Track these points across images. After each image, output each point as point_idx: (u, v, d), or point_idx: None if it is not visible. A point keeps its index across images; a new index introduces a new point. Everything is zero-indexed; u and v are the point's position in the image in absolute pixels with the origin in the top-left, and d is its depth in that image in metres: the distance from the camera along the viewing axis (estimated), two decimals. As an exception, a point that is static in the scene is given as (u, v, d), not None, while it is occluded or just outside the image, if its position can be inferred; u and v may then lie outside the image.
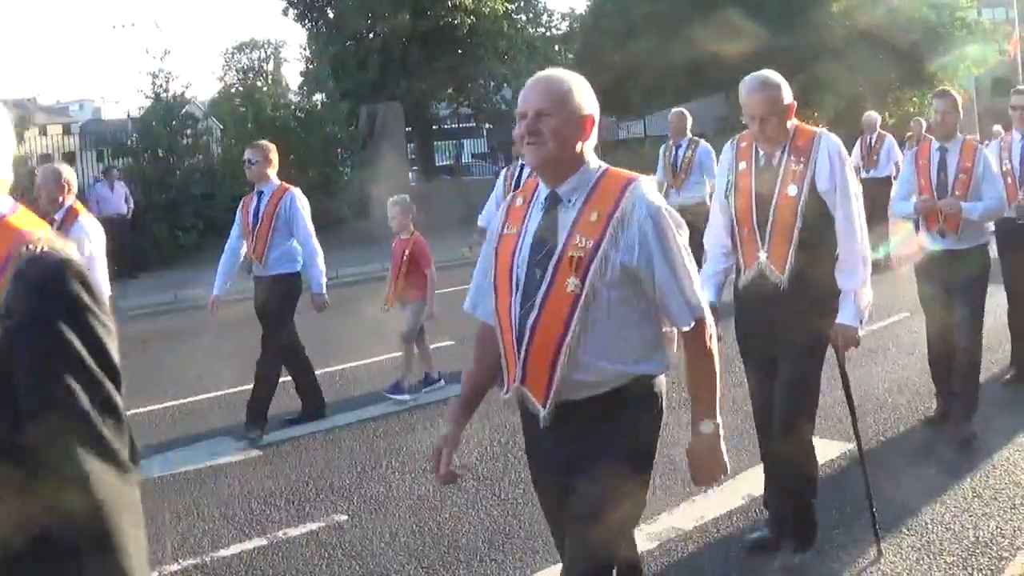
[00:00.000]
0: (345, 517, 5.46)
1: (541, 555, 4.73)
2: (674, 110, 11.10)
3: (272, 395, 7.25)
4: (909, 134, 16.64)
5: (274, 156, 7.35)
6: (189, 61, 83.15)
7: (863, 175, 12.84)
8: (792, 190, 4.28)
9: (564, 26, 37.46)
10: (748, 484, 5.56)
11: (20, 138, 21.99)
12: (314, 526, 5.35)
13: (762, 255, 4.38)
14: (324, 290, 7.32)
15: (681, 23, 30.02)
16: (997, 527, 4.85)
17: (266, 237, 7.14)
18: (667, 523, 5.12)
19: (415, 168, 25.34)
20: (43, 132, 40.84)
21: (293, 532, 5.29)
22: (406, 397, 7.92)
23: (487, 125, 37.73)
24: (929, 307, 6.67)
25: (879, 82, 31.09)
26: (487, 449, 6.51)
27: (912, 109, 32.26)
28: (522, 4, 30.61)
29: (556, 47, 34.11)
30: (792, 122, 4.40)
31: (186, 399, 8.25)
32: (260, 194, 7.27)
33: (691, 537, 4.95)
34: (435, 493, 5.70)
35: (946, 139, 6.52)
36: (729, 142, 4.67)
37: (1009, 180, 7.30)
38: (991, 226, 6.89)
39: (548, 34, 34.89)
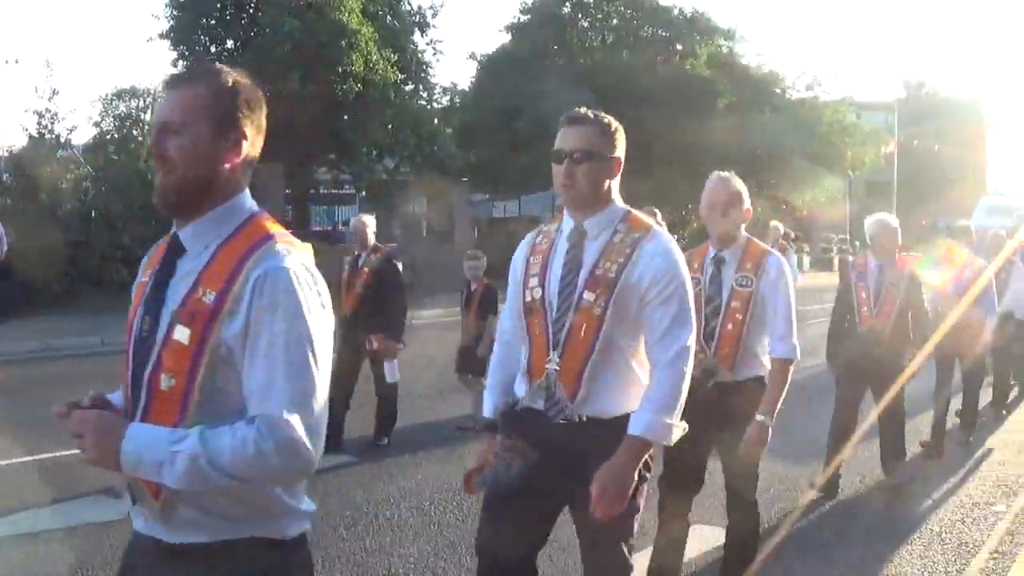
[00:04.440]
0: None
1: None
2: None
3: None
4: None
5: None
6: (72, 104, 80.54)
7: None
8: None
9: (445, 100, 37.85)
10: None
11: None
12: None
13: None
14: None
15: (564, 107, 30.63)
16: None
17: None
18: None
19: (290, 231, 25.00)
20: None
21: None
22: None
23: (362, 193, 37.63)
24: None
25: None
26: (453, 510, 6.57)
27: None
28: (412, 74, 30.79)
29: (435, 121, 34.32)
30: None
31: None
32: None
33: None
34: (384, 548, 5.73)
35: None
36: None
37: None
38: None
39: (429, 107, 35.10)
